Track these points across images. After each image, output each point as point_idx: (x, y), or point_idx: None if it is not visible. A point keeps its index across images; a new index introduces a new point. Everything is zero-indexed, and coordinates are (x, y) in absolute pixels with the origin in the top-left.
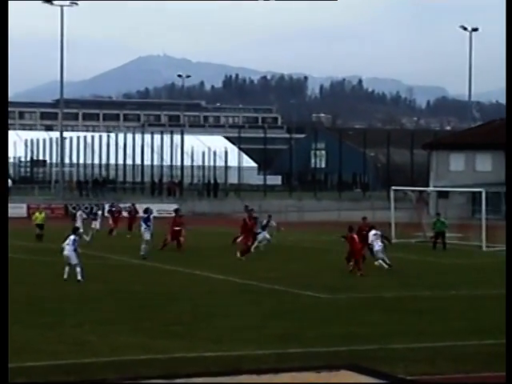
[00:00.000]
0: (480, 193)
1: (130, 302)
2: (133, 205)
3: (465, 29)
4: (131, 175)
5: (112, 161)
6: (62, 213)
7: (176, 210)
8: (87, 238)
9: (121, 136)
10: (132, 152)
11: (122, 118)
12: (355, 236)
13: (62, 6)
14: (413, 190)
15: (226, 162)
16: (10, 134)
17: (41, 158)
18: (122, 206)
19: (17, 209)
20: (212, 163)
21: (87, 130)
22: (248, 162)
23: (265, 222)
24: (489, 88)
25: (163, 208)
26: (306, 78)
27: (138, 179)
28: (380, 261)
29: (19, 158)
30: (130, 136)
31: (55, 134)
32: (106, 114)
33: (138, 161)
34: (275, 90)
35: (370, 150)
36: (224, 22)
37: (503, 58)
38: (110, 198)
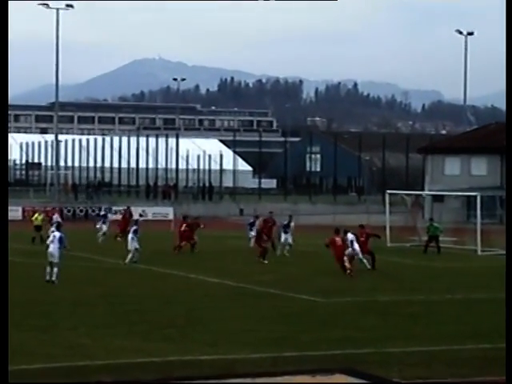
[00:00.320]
0: (475, 197)
1: (124, 306)
2: (128, 208)
3: (460, 33)
4: (126, 178)
5: (107, 164)
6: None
7: (184, 217)
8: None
9: (116, 139)
10: (127, 155)
11: (117, 121)
12: (337, 239)
13: (57, 9)
14: (408, 194)
15: (221, 165)
16: None
17: (36, 160)
18: (116, 209)
19: (12, 212)
20: (207, 166)
21: (82, 133)
22: (243, 166)
23: (285, 222)
24: (484, 92)
25: (158, 211)
26: (301, 81)
27: (133, 182)
28: (365, 261)
29: (14, 160)
30: (125, 139)
31: (50, 137)
32: (101, 117)
33: (133, 164)
34: (270, 93)
35: (365, 153)
36: (219, 25)
37: (498, 63)
38: (105, 201)
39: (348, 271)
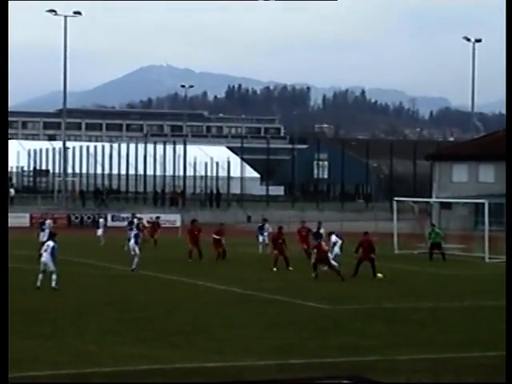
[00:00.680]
0: (483, 204)
1: (131, 313)
2: (157, 217)
3: (468, 40)
4: (134, 185)
5: (115, 171)
6: (65, 223)
7: (220, 225)
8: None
9: (123, 146)
10: (135, 162)
11: (124, 128)
12: (322, 243)
13: (65, 16)
14: (415, 201)
15: (228, 172)
16: (13, 144)
17: (44, 167)
18: (124, 215)
19: (19, 218)
20: (214, 173)
21: (90, 140)
22: (250, 173)
23: (315, 230)
24: (492, 99)
25: (166, 218)
26: (308, 88)
27: (141, 189)
28: (334, 263)
29: (22, 167)
30: (132, 146)
31: (58, 144)
32: (108, 123)
33: (141, 171)
34: (278, 100)
35: (373, 160)
36: (227, 32)
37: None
38: (113, 208)
39: (313, 274)
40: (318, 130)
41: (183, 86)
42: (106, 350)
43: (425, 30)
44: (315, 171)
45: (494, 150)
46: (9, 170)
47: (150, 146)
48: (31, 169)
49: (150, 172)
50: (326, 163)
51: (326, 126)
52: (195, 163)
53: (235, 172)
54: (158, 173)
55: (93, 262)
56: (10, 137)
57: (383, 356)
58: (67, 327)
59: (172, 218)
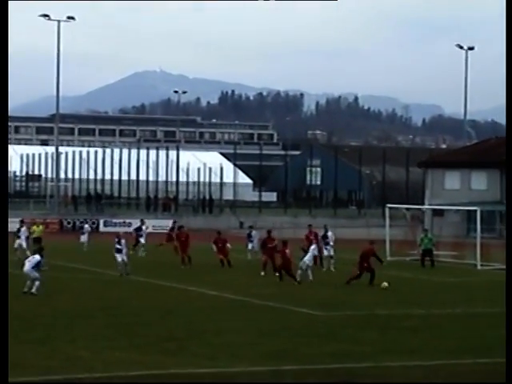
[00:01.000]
0: (475, 211)
1: (124, 318)
2: (174, 221)
3: (461, 47)
4: (126, 190)
5: (107, 176)
6: (57, 227)
7: (218, 233)
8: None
9: (116, 151)
10: (127, 167)
11: (117, 133)
12: (287, 251)
13: (59, 21)
14: (408, 208)
15: (221, 178)
16: None
17: (36, 172)
18: (116, 221)
19: (11, 223)
20: (207, 179)
21: (83, 145)
22: (243, 179)
23: (322, 233)
24: (484, 107)
25: (158, 224)
26: (301, 94)
27: (134, 195)
28: (299, 271)
29: (14, 172)
30: (125, 151)
31: (51, 149)
32: (101, 129)
33: (134, 176)
34: (271, 106)
35: (366, 167)
36: (221, 38)
37: (499, 77)
38: (105, 214)
39: (296, 281)
40: (311, 136)
41: (176, 92)
42: (98, 356)
43: (418, 37)
44: (308, 177)
45: (486, 158)
46: None
47: (143, 152)
48: (24, 174)
49: (142, 177)
50: (318, 169)
51: (318, 132)
52: (188, 169)
53: (228, 178)
54: (151, 178)
55: (85, 267)
56: None
57: (376, 362)
58: (59, 332)
59: (164, 224)
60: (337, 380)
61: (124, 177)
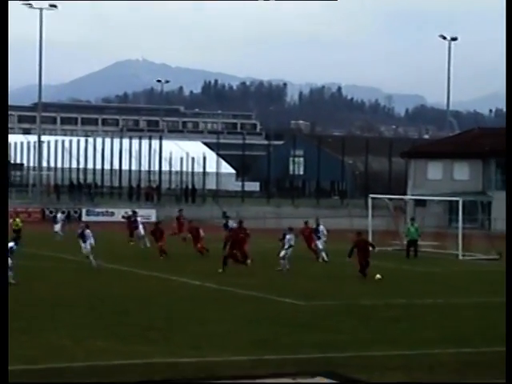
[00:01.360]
0: (457, 202)
1: (106, 307)
2: (181, 210)
3: (444, 38)
4: (109, 180)
5: (90, 165)
6: (39, 217)
7: (190, 221)
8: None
9: (99, 140)
10: (110, 157)
11: (100, 122)
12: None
13: (41, 9)
14: (390, 198)
15: (204, 167)
16: None
17: (18, 161)
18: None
19: None
20: (190, 169)
21: (65, 134)
22: (226, 168)
23: (314, 226)
24: (467, 97)
25: (141, 213)
26: (285, 84)
27: (116, 184)
28: (282, 261)
29: None
30: (108, 141)
31: (33, 138)
32: (84, 118)
33: (116, 165)
34: (254, 96)
35: (349, 157)
36: (204, 27)
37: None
38: (87, 203)
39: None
40: (294, 126)
41: (159, 81)
42: (80, 345)
43: (401, 27)
44: (291, 167)
45: (468, 148)
46: None
47: (126, 141)
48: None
49: (125, 167)
50: (301, 159)
51: (302, 122)
52: (171, 158)
53: (211, 167)
54: (134, 168)
55: (66, 256)
56: None
57: (358, 352)
58: (41, 322)
59: (147, 213)
60: (319, 369)
61: (106, 166)
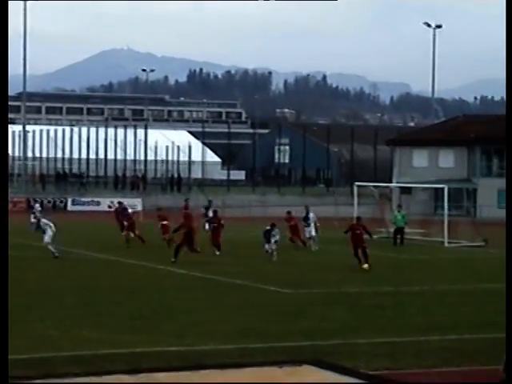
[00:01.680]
0: (442, 189)
1: (92, 297)
2: (186, 199)
3: (429, 26)
4: (95, 169)
5: (75, 155)
6: (24, 206)
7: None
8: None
9: (84, 130)
10: (95, 146)
11: (85, 111)
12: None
13: (25, 0)
14: (376, 186)
15: (189, 156)
16: None
17: None
18: (84, 200)
19: None
20: (176, 158)
21: (50, 124)
22: (212, 157)
23: (303, 215)
24: (452, 85)
25: (126, 202)
26: (270, 73)
27: (102, 173)
28: (271, 250)
29: None
30: (93, 130)
31: (18, 128)
32: (69, 107)
33: (102, 155)
34: (239, 84)
35: (334, 145)
36: (188, 16)
37: (467, 56)
38: (73, 192)
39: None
40: (280, 114)
41: (144, 70)
42: (67, 335)
43: (386, 15)
44: (276, 156)
45: (454, 136)
46: None
47: (111, 130)
48: None
49: (110, 156)
50: (287, 148)
51: (287, 110)
52: (156, 147)
53: (196, 156)
54: (119, 157)
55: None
56: None
57: (344, 340)
58: (28, 312)
59: (133, 203)
60: (305, 357)
61: (92, 155)
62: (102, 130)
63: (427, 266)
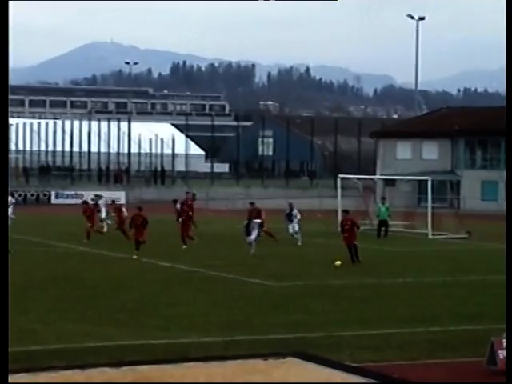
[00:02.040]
0: (426, 181)
1: (76, 290)
2: (187, 192)
3: (412, 18)
4: (78, 162)
5: (59, 148)
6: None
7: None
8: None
9: (67, 123)
10: (79, 139)
11: (68, 104)
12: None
13: None
14: (360, 178)
15: (173, 149)
16: None
17: None
18: (67, 193)
19: None
20: (159, 151)
21: (34, 117)
22: (195, 150)
23: (287, 211)
24: (435, 77)
25: (110, 195)
26: (253, 65)
27: (85, 166)
28: (251, 248)
29: None
30: (76, 123)
31: None
32: (52, 100)
33: (85, 148)
34: (223, 77)
35: (318, 138)
36: (172, 8)
37: (450, 48)
38: (56, 186)
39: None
40: (263, 107)
41: (128, 63)
42: (51, 328)
43: (369, 7)
44: (260, 148)
45: (437, 128)
46: None
47: (95, 123)
48: None
49: (94, 149)
50: (270, 140)
51: (270, 103)
52: (140, 140)
53: (180, 149)
54: (103, 150)
55: (36, 239)
56: None
57: (328, 332)
58: (10, 305)
59: (116, 196)
60: (289, 350)
61: (75, 148)
62: (85, 123)
63: (411, 258)
